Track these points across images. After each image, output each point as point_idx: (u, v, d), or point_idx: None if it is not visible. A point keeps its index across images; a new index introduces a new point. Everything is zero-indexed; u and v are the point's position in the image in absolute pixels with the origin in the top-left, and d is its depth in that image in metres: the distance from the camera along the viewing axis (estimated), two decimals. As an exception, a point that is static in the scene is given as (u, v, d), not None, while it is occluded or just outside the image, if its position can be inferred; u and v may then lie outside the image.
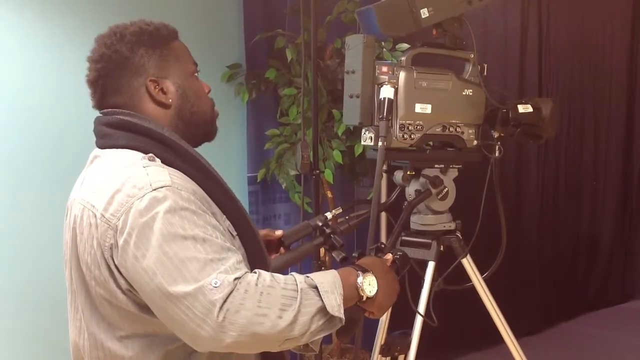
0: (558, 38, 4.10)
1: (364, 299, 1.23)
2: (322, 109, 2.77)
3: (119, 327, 1.20)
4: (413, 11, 1.78)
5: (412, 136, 1.84)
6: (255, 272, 1.13)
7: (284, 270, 1.44)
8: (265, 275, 1.12)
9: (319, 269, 2.21)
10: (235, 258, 1.13)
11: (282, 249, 1.66)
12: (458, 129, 1.93)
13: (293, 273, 1.17)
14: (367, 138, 1.84)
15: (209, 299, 1.05)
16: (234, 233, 1.27)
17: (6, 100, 2.53)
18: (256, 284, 1.09)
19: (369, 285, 1.24)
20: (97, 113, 1.33)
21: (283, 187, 2.98)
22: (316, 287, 1.15)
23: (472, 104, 1.93)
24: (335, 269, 1.25)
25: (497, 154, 1.96)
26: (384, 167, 1.99)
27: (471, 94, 1.92)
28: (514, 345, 2.13)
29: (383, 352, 2.07)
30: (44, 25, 2.59)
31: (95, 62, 1.29)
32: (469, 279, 2.06)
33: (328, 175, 2.82)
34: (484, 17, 3.66)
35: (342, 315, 1.15)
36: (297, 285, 1.13)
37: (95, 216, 1.16)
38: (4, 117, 2.52)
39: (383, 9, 1.80)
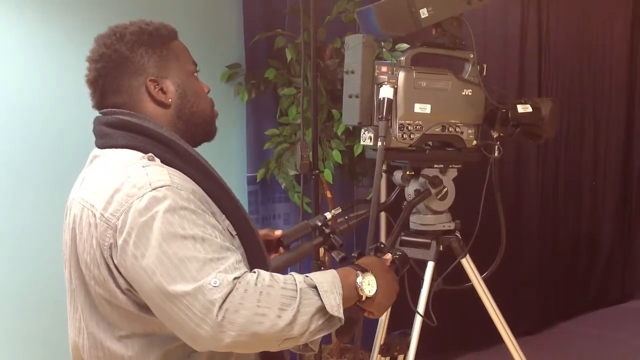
0: (558, 38, 4.10)
1: (364, 298, 1.23)
2: (322, 109, 2.77)
3: (118, 327, 1.20)
4: (412, 11, 1.78)
5: (412, 136, 1.84)
6: (254, 272, 1.13)
7: (283, 270, 1.44)
8: (265, 274, 1.13)
9: (318, 269, 2.22)
10: (234, 258, 1.13)
11: (281, 249, 1.66)
12: (457, 129, 1.93)
13: (292, 273, 1.18)
14: (366, 138, 1.84)
15: (208, 299, 1.06)
16: (234, 233, 1.27)
17: (6, 100, 2.53)
18: (255, 284, 1.09)
19: (368, 285, 1.24)
20: (96, 113, 1.33)
21: (282, 187, 2.98)
22: (315, 287, 1.15)
23: (471, 103, 1.93)
24: (334, 268, 1.25)
25: (496, 153, 1.96)
26: (384, 167, 1.99)
27: (471, 93, 1.92)
28: (514, 345, 2.12)
29: (382, 352, 2.07)
30: (44, 25, 2.60)
31: (95, 62, 1.29)
32: (468, 279, 2.06)
33: (327, 175, 2.82)
34: (484, 17, 3.66)
35: (341, 315, 1.16)
36: (296, 284, 1.13)
37: (95, 216, 1.16)
38: (4, 117, 2.52)
39: (382, 9, 1.80)
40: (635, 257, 4.79)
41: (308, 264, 2.38)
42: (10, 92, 2.53)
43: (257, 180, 3.06)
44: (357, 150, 2.81)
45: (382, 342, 2.12)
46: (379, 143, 1.71)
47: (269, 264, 1.35)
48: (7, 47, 2.52)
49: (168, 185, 1.15)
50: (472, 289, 2.06)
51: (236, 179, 3.11)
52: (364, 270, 1.25)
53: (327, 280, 1.17)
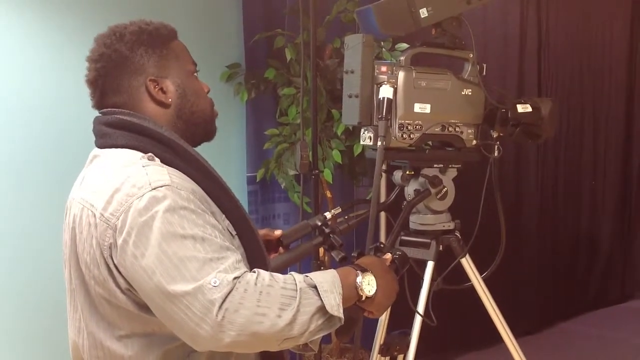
0: (557, 38, 4.11)
1: (363, 298, 1.23)
2: (322, 109, 2.77)
3: (118, 327, 1.21)
4: (412, 11, 1.78)
5: (411, 136, 1.84)
6: (254, 272, 1.13)
7: (283, 270, 1.44)
8: (265, 274, 1.13)
9: (318, 269, 2.22)
10: (234, 257, 1.13)
11: (281, 249, 1.66)
12: (457, 129, 1.93)
13: (292, 272, 1.18)
14: (366, 138, 1.84)
15: (208, 298, 1.06)
16: (234, 232, 1.27)
17: (6, 100, 2.53)
18: (255, 283, 1.09)
19: (368, 284, 1.24)
20: (96, 113, 1.33)
21: (282, 187, 2.98)
22: (315, 287, 1.15)
23: (471, 103, 1.93)
24: (334, 268, 1.25)
25: (496, 153, 1.96)
26: (383, 167, 1.99)
27: (470, 93, 1.92)
28: (513, 345, 2.13)
29: (382, 351, 2.07)
30: (44, 25, 2.60)
31: (95, 61, 1.29)
32: (468, 279, 2.06)
33: (327, 175, 2.82)
34: (483, 16, 3.66)
35: (341, 315, 1.16)
36: (296, 284, 1.13)
37: (95, 215, 1.16)
38: (4, 117, 2.52)
39: (382, 9, 1.80)
40: (635, 257, 4.79)
41: (308, 263, 2.38)
42: (10, 92, 2.53)
43: (257, 180, 3.06)
44: (357, 150, 2.81)
45: (382, 342, 2.12)
46: (379, 143, 1.71)
47: (268, 263, 1.35)
48: (7, 47, 2.52)
49: (168, 185, 1.15)
50: (472, 289, 2.06)
51: (236, 179, 3.11)
52: (363, 270, 1.25)
53: (327, 280, 1.17)
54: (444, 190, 1.95)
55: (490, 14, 3.73)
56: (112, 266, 1.15)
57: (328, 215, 1.74)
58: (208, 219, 1.17)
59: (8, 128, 2.53)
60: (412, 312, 1.97)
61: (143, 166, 1.18)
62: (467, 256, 2.03)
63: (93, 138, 1.31)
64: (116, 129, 1.26)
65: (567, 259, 4.39)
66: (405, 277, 1.82)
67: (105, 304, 1.20)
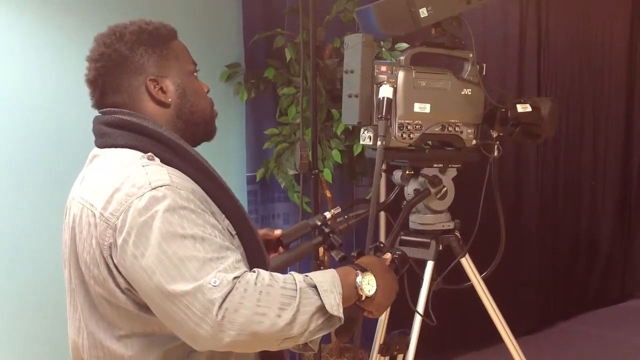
0: (557, 37, 4.11)
1: (363, 298, 1.23)
2: (321, 109, 2.77)
3: (118, 327, 1.21)
4: (412, 10, 1.78)
5: (411, 135, 1.84)
6: (254, 271, 1.13)
7: (283, 270, 1.44)
8: (264, 274, 1.13)
9: (317, 269, 2.22)
10: (234, 257, 1.13)
11: (281, 249, 1.66)
12: (457, 129, 1.93)
13: (292, 272, 1.18)
14: (366, 137, 1.84)
15: (208, 298, 1.06)
16: (233, 232, 1.27)
17: (6, 100, 2.53)
18: (255, 283, 1.09)
19: (368, 284, 1.24)
20: (96, 113, 1.33)
21: (282, 187, 2.98)
22: (315, 286, 1.15)
23: (471, 103, 1.93)
24: (334, 268, 1.25)
25: (496, 153, 1.96)
26: (383, 167, 1.99)
27: (470, 93, 1.92)
28: (513, 345, 2.13)
29: (382, 351, 2.07)
30: (44, 25, 2.60)
31: (95, 61, 1.29)
32: (467, 279, 2.06)
33: (327, 174, 2.82)
34: (483, 16, 3.66)
35: (341, 315, 1.16)
36: (296, 284, 1.13)
37: (95, 215, 1.16)
38: (4, 117, 2.53)
39: (382, 8, 1.80)
40: (635, 257, 4.80)
41: (307, 263, 2.38)
42: (10, 92, 2.54)
43: (257, 180, 3.06)
44: (357, 150, 2.81)
45: (381, 342, 2.12)
46: (379, 142, 1.71)
47: (268, 263, 1.35)
48: (7, 47, 2.52)
49: (168, 185, 1.15)
50: (472, 289, 2.06)
51: (236, 179, 3.11)
52: (363, 270, 1.25)
53: (327, 280, 1.17)
54: (444, 190, 1.95)
55: (490, 14, 3.73)
56: (111, 266, 1.15)
57: (328, 215, 1.74)
58: (208, 218, 1.17)
59: (8, 128, 2.54)
60: (412, 312, 1.97)
61: (143, 166, 1.18)
62: (467, 256, 2.03)
63: (93, 138, 1.31)
64: (116, 129, 1.26)
65: (567, 258, 4.39)
66: (405, 276, 1.82)
67: (105, 304, 1.20)
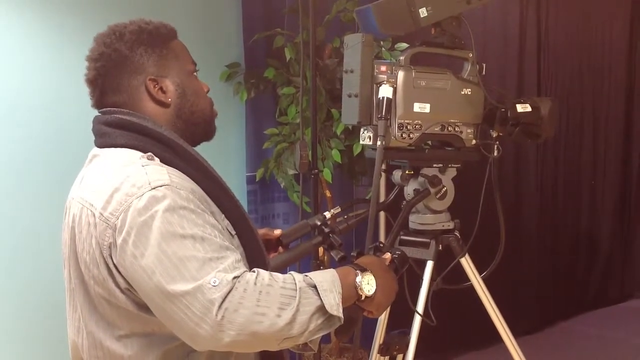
0: (557, 37, 4.11)
1: (363, 298, 1.23)
2: (321, 108, 2.77)
3: (117, 326, 1.21)
4: (412, 10, 1.78)
5: (411, 135, 1.84)
6: (254, 271, 1.13)
7: (282, 270, 1.44)
8: (264, 274, 1.13)
9: (317, 268, 2.21)
10: (234, 257, 1.13)
11: (280, 248, 1.66)
12: (457, 128, 1.93)
13: (292, 272, 1.18)
14: (365, 137, 1.84)
15: (207, 298, 1.06)
16: (233, 232, 1.27)
17: (6, 100, 2.53)
18: (255, 283, 1.09)
19: (367, 284, 1.24)
20: (96, 112, 1.33)
21: (282, 187, 2.98)
22: (315, 286, 1.15)
23: (470, 103, 1.93)
24: (333, 268, 1.25)
25: (495, 153, 1.96)
26: (383, 167, 1.99)
27: (470, 93, 1.92)
28: (513, 345, 2.13)
29: (382, 351, 2.07)
30: (44, 25, 2.60)
31: (95, 61, 1.30)
32: (467, 279, 2.06)
33: (327, 174, 2.82)
34: (483, 16, 3.66)
35: (340, 314, 1.16)
36: (295, 284, 1.13)
37: (94, 215, 1.16)
38: (4, 117, 2.53)
39: (382, 8, 1.80)
40: (635, 257, 4.80)
41: (307, 263, 2.38)
42: (10, 92, 2.54)
43: (257, 180, 3.06)
44: (357, 150, 2.81)
45: (381, 342, 2.12)
46: (378, 142, 1.71)
47: (268, 263, 1.35)
48: (7, 47, 2.52)
49: (167, 185, 1.15)
50: (472, 289, 2.06)
51: (235, 179, 3.11)
52: (363, 270, 1.25)
53: (327, 280, 1.17)
54: (444, 189, 1.95)
55: (490, 14, 3.74)
56: (111, 266, 1.15)
57: (327, 214, 1.74)
58: (207, 218, 1.17)
59: (8, 128, 2.54)
60: (412, 312, 1.97)
61: (142, 166, 1.18)
62: (467, 256, 2.03)
63: (93, 138, 1.31)
64: (116, 129, 1.26)
65: (567, 258, 4.39)
66: (405, 276, 1.82)
67: (105, 304, 1.20)
